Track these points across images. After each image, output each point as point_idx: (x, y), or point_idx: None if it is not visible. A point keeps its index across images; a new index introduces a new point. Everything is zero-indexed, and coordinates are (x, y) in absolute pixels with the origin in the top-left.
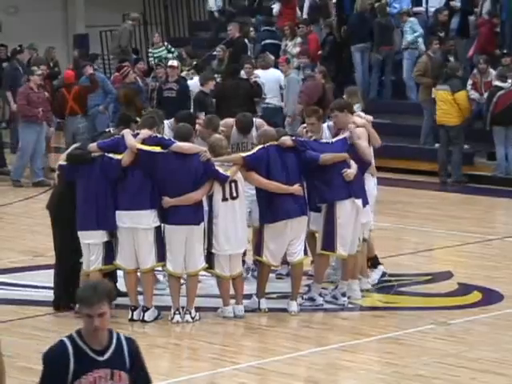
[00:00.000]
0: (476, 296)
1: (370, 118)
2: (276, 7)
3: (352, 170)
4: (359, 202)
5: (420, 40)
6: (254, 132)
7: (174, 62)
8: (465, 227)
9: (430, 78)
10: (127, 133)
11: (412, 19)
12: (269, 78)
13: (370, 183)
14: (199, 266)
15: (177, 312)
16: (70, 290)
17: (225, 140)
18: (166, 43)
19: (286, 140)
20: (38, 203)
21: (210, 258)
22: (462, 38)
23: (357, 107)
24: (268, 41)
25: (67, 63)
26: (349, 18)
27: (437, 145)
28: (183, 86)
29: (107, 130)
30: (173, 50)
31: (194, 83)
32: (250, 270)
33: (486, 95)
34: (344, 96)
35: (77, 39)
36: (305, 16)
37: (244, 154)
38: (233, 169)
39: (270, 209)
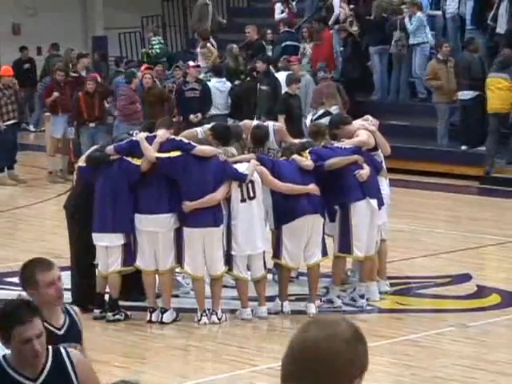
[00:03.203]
0: (495, 298)
1: (376, 122)
2: None
3: (365, 171)
4: (374, 202)
5: (430, 38)
6: (271, 137)
7: (198, 62)
8: (483, 229)
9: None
10: (142, 140)
11: (420, 15)
12: None
13: (383, 185)
14: (220, 270)
15: (204, 314)
16: (86, 292)
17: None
18: (159, 38)
19: (307, 166)
20: (57, 205)
21: (228, 259)
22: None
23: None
24: (288, 42)
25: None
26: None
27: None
28: (206, 86)
29: (131, 132)
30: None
31: (211, 85)
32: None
33: None
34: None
35: (95, 41)
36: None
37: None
38: (250, 168)
39: (286, 209)
